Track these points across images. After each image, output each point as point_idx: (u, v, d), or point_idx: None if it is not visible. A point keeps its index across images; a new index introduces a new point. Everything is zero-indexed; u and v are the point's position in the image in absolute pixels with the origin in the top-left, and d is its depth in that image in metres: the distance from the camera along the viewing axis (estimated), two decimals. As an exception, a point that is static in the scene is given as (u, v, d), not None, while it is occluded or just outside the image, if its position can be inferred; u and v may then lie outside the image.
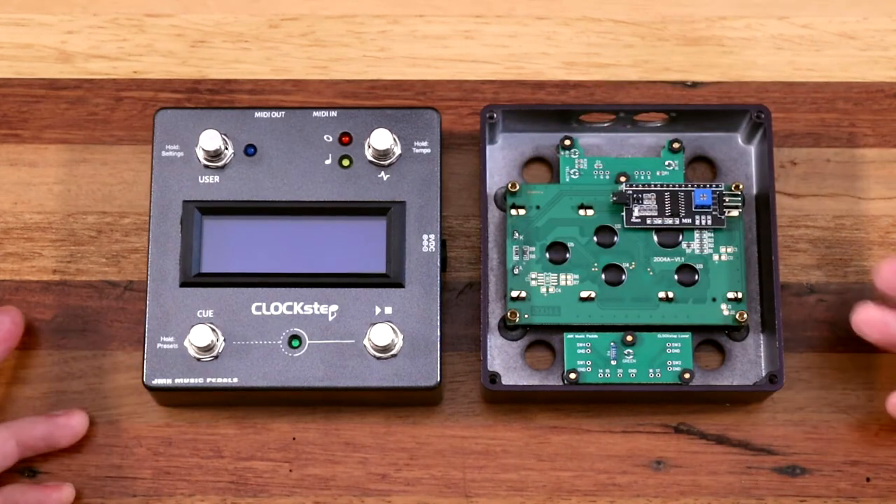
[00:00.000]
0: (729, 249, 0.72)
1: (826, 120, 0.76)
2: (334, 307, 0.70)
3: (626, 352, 0.71)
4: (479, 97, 0.77)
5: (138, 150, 0.75)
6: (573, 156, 0.73)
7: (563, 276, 0.72)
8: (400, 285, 0.70)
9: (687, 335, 0.71)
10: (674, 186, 0.72)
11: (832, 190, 0.75)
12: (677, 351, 0.71)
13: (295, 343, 0.69)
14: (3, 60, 0.77)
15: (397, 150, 0.71)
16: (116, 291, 0.73)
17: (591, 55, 0.78)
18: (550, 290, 0.71)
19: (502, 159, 0.74)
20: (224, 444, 0.72)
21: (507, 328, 0.72)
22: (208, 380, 0.68)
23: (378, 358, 0.69)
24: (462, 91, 0.77)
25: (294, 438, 0.72)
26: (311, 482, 0.71)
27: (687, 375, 0.70)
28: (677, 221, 0.72)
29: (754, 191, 0.74)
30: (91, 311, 0.73)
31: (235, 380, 0.69)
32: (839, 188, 0.75)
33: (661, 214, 0.72)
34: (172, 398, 0.71)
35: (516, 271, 0.71)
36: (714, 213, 0.72)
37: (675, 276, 0.71)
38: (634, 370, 0.71)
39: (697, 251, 0.72)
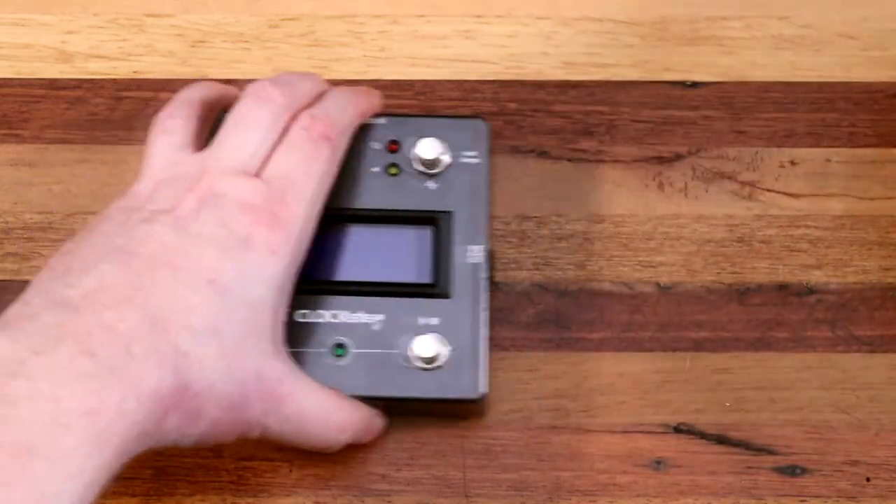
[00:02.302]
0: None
1: (826, 120, 0.76)
2: (380, 316, 0.69)
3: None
4: (479, 97, 0.77)
5: (138, 151, 0.75)
6: None
7: None
8: (446, 296, 0.69)
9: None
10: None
11: (832, 190, 0.75)
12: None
13: (339, 351, 0.69)
14: (3, 60, 0.77)
15: (445, 160, 0.71)
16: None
17: (591, 55, 0.78)
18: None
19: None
20: (224, 444, 0.71)
21: None
22: None
23: (422, 369, 0.68)
24: (462, 91, 0.77)
25: (294, 438, 0.72)
26: (311, 482, 0.71)
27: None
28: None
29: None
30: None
31: None
32: (839, 188, 0.75)
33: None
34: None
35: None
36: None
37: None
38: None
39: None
